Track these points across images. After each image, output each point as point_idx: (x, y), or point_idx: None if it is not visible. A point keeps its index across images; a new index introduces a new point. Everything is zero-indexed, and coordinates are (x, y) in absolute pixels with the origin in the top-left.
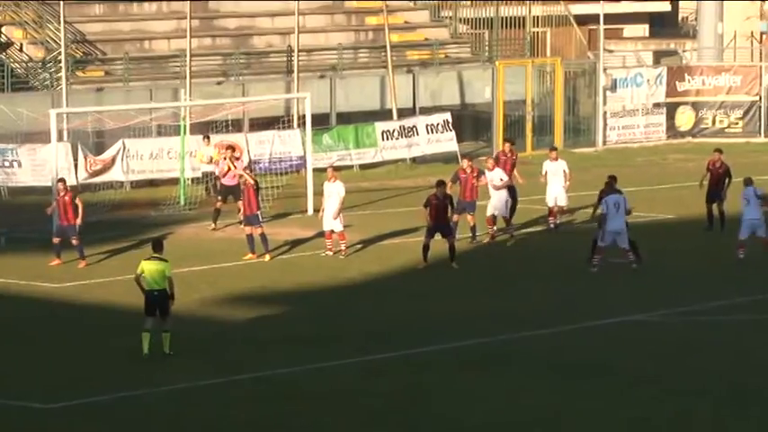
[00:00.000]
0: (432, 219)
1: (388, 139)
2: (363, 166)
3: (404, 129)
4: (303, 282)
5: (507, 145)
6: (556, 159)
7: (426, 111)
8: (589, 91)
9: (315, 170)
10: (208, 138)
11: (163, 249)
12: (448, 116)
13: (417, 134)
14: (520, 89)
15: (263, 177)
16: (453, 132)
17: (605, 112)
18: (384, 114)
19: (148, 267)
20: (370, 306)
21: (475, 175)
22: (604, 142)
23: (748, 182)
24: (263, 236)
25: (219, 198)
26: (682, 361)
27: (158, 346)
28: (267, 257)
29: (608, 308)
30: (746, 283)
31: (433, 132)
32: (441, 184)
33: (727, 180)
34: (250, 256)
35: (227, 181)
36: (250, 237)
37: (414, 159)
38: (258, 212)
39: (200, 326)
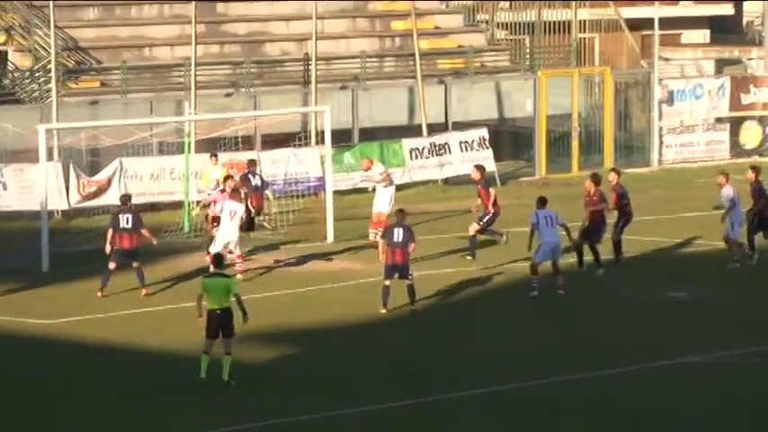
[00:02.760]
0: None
1: (417, 157)
2: None
3: (435, 146)
4: (328, 317)
5: (589, 182)
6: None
7: (460, 126)
8: (643, 104)
9: (335, 193)
10: (215, 156)
11: (224, 264)
12: (484, 132)
13: (450, 152)
14: (565, 102)
15: (277, 200)
16: (490, 150)
17: (661, 128)
18: (412, 130)
19: (210, 284)
20: (400, 343)
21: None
22: (660, 162)
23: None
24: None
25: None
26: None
27: (216, 372)
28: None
29: (665, 348)
30: None
31: (467, 150)
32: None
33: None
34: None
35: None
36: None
37: (446, 180)
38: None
39: (211, 368)
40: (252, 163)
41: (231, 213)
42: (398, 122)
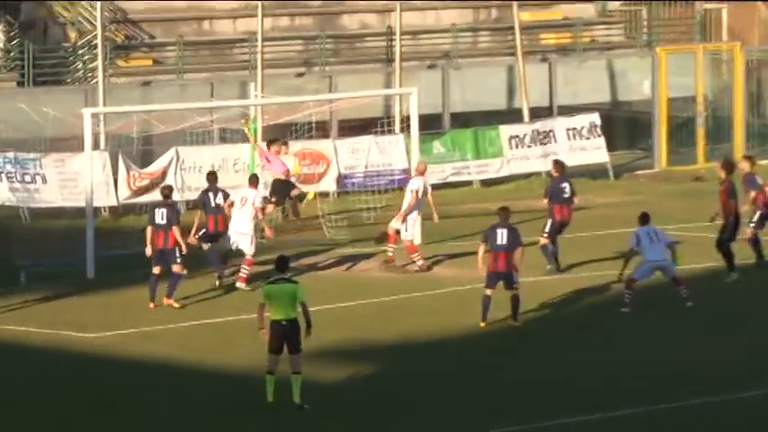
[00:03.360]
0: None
1: (517, 146)
2: (485, 182)
3: (538, 134)
4: (416, 331)
5: (720, 169)
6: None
7: (567, 111)
8: None
9: None
10: (286, 144)
11: (288, 268)
12: (595, 118)
13: (555, 141)
14: (688, 83)
15: (356, 195)
16: (602, 138)
17: None
18: (512, 115)
19: (273, 292)
20: (502, 360)
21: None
22: None
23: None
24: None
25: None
26: None
27: (284, 393)
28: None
29: None
30: None
31: (575, 138)
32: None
33: None
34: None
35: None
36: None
37: (550, 173)
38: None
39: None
40: (212, 177)
41: (242, 201)
42: (495, 106)
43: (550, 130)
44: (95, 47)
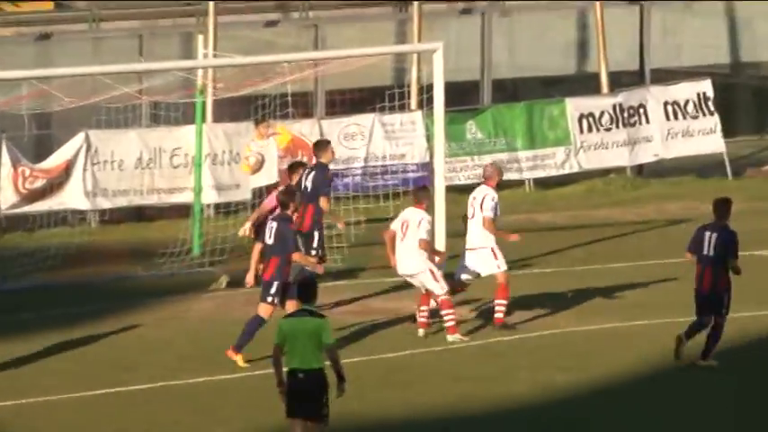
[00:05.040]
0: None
1: (590, 129)
2: (542, 183)
3: (621, 110)
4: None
5: None
6: None
7: (663, 76)
8: None
9: (451, 189)
10: (265, 122)
11: (316, 297)
12: (707, 86)
13: (647, 120)
14: None
15: (350, 202)
16: (716, 117)
17: None
18: (584, 83)
19: (290, 328)
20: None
21: None
22: None
23: None
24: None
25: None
26: None
27: None
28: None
29: None
30: None
31: (677, 117)
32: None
33: None
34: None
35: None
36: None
37: (640, 169)
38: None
39: None
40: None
41: (403, 227)
42: (559, 70)
43: (640, 106)
44: None
